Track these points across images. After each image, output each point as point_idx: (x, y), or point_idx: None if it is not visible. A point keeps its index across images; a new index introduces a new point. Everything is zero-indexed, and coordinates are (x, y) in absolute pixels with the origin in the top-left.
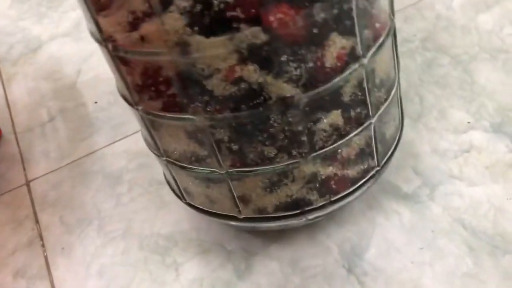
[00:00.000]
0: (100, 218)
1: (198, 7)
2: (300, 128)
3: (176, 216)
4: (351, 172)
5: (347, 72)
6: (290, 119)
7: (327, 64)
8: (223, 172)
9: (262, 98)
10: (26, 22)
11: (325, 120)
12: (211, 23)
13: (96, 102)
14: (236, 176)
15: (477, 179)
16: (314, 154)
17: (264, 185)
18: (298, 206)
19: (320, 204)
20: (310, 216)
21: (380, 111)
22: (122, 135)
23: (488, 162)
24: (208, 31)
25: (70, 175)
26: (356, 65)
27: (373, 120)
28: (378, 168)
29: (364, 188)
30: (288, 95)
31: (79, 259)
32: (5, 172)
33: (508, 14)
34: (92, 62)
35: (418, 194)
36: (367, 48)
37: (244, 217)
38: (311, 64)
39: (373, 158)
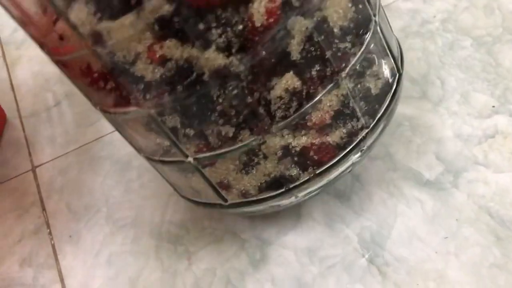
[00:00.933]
0: (108, 205)
1: None
2: (250, 99)
3: (187, 204)
4: (332, 138)
5: (283, 28)
6: (234, 92)
7: (257, 24)
8: (190, 160)
9: (195, 74)
10: None
11: (277, 86)
12: (113, 4)
13: None
14: (205, 162)
15: (503, 165)
16: (277, 125)
17: (237, 167)
18: (281, 184)
19: (305, 178)
20: (300, 193)
21: (350, 64)
22: None
23: None
24: (114, 14)
25: (77, 160)
26: (295, 18)
27: (343, 76)
28: (367, 130)
29: (355, 155)
30: (221, 66)
31: (87, 247)
32: (11, 158)
33: None
34: None
35: (441, 181)
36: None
37: (230, 203)
38: (238, 27)
39: (357, 119)
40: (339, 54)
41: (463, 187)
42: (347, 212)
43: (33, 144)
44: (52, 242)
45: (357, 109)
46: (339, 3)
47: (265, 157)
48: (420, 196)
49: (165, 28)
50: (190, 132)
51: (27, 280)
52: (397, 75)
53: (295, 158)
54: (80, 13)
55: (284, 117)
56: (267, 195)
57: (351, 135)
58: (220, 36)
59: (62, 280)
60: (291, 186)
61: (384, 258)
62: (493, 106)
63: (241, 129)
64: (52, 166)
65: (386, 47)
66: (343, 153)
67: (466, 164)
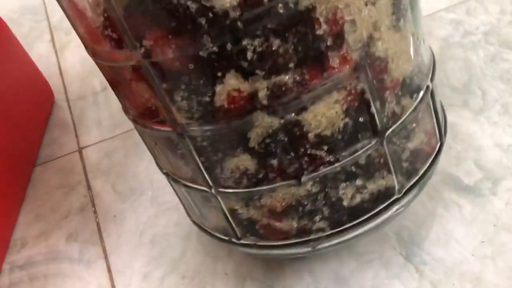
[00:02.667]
0: (153, 189)
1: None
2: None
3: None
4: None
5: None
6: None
7: (217, 104)
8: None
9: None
10: None
11: (229, 162)
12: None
13: None
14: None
15: None
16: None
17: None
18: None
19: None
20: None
21: (319, 171)
22: None
23: None
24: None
25: (123, 144)
26: (260, 113)
27: (302, 180)
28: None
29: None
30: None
31: (131, 227)
32: (58, 137)
33: None
34: None
35: (480, 187)
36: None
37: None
38: (204, 98)
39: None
40: (306, 158)
41: (502, 195)
42: None
43: (79, 126)
44: (97, 220)
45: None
46: (323, 112)
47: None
48: (458, 201)
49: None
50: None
51: (73, 254)
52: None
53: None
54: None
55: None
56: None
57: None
58: (182, 99)
59: (106, 257)
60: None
61: (422, 257)
62: None
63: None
64: (98, 148)
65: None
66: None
67: (505, 172)
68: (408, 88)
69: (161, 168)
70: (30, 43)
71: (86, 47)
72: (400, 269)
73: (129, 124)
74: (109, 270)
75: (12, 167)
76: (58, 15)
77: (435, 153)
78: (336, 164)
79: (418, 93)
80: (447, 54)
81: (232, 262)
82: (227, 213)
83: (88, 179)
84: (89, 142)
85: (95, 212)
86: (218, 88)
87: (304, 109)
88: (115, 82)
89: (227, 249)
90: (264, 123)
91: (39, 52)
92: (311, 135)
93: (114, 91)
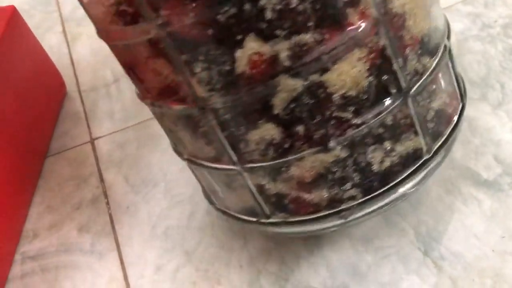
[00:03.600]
0: (166, 180)
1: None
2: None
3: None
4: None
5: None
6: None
7: (238, 71)
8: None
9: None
10: None
11: (254, 133)
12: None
13: None
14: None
15: None
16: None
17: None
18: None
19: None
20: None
21: (347, 135)
22: None
23: None
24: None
25: (135, 136)
26: (283, 76)
27: (330, 145)
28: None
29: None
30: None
31: (144, 219)
32: (70, 128)
33: None
34: None
35: (499, 182)
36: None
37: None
38: (224, 67)
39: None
40: (332, 122)
41: None
42: (404, 206)
43: (91, 117)
44: (110, 211)
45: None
46: (347, 71)
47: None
48: (477, 195)
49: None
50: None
51: (85, 246)
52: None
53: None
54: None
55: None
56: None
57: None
58: (202, 70)
59: (118, 248)
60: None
61: (440, 253)
62: None
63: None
64: (111, 140)
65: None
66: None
67: None
68: (427, 46)
69: (181, 154)
70: (42, 34)
71: (100, 31)
72: (419, 264)
73: (142, 116)
74: (122, 262)
75: (24, 158)
76: (69, 6)
77: (458, 114)
78: (363, 126)
79: (437, 52)
80: (465, 48)
81: (247, 254)
82: (254, 190)
83: (100, 170)
84: (101, 133)
85: (107, 203)
86: (238, 53)
87: (326, 69)
88: (131, 64)
89: (242, 241)
90: (287, 86)
91: (51, 44)
92: (336, 96)
93: (130, 76)
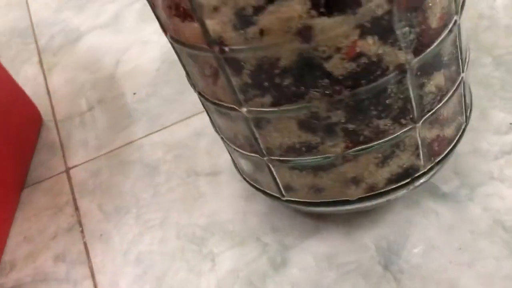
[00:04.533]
0: (138, 206)
1: None
2: (412, 94)
3: (213, 207)
4: (448, 131)
5: (446, 32)
6: (404, 87)
7: (433, 26)
8: (338, 155)
9: (380, 70)
10: (66, 13)
11: (431, 82)
12: (334, 1)
13: (134, 93)
14: (351, 157)
15: None
16: (424, 118)
17: (378, 160)
18: (408, 175)
19: (427, 168)
20: (417, 183)
21: (467, 65)
22: (159, 127)
23: None
24: (331, 11)
25: (108, 164)
26: (452, 24)
27: (463, 75)
28: (465, 124)
29: (457, 146)
30: (403, 62)
31: (117, 246)
32: (46, 159)
33: None
34: (131, 54)
35: (457, 194)
36: (461, 4)
37: (357, 199)
38: (419, 28)
39: (462, 114)
40: (464, 57)
41: (479, 201)
42: (365, 221)
43: (67, 146)
44: (84, 240)
45: (463, 106)
46: (466, 15)
47: (404, 149)
48: (436, 208)
49: (375, 26)
50: (351, 126)
51: (61, 275)
52: None
53: (425, 149)
54: (298, 7)
55: (429, 111)
56: (392, 187)
57: (458, 129)
58: (408, 34)
59: (93, 276)
60: (415, 175)
61: (399, 266)
62: (510, 123)
63: (395, 122)
64: (85, 168)
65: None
66: (452, 145)
67: (482, 178)
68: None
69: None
70: (19, 65)
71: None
72: (379, 279)
73: (114, 144)
74: None
75: (2, 191)
76: (46, 37)
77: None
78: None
79: None
80: None
81: (215, 277)
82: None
83: (75, 199)
84: (76, 162)
85: (82, 232)
86: None
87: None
88: None
89: (211, 264)
90: (453, 32)
91: (28, 75)
92: (464, 36)
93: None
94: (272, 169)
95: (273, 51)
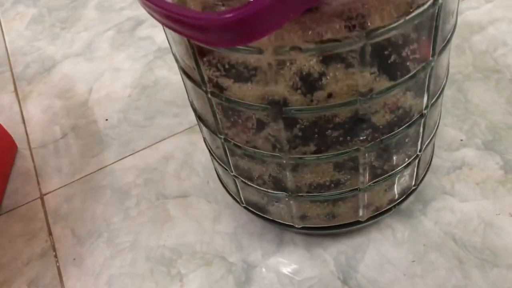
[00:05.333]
0: (109, 230)
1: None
2: (421, 131)
3: (180, 230)
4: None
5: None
6: (419, 127)
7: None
8: (362, 188)
9: (409, 117)
10: (41, 42)
11: (433, 118)
12: (396, 70)
13: (107, 120)
14: (371, 188)
15: (468, 195)
16: (425, 146)
17: (387, 186)
18: (403, 193)
19: (416, 184)
20: (409, 197)
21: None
22: (130, 151)
23: (479, 179)
24: (392, 77)
25: (81, 189)
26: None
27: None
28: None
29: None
30: (423, 108)
31: (89, 269)
32: (21, 186)
33: (501, 35)
34: (103, 81)
35: (412, 209)
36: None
37: (367, 218)
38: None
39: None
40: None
41: (431, 215)
42: (324, 238)
43: (41, 173)
44: (58, 264)
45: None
46: None
47: (407, 174)
48: (391, 223)
49: (414, 85)
50: (377, 163)
51: None
52: None
53: (419, 171)
54: (368, 75)
55: (429, 140)
56: (393, 205)
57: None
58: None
59: None
60: (408, 192)
61: (357, 280)
62: (461, 140)
63: (406, 155)
64: (59, 195)
65: None
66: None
67: (434, 193)
68: None
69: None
70: None
71: None
72: None
73: (87, 169)
74: None
75: None
76: (21, 65)
77: None
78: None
79: None
80: None
81: None
82: None
83: (49, 225)
84: (50, 188)
85: (55, 256)
86: None
87: None
88: None
89: (178, 285)
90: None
91: (3, 103)
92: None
93: None
94: (291, 202)
95: (334, 110)
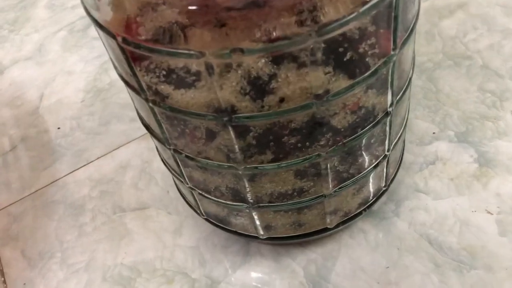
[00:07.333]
0: (62, 250)
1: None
2: (388, 130)
3: (139, 245)
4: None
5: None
6: (385, 126)
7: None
8: (328, 194)
9: (373, 117)
10: None
11: (400, 116)
12: (354, 68)
13: (59, 128)
14: (337, 193)
15: (442, 191)
16: (392, 146)
17: (355, 190)
18: (374, 195)
19: (387, 185)
20: (381, 199)
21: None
22: (84, 162)
23: (453, 174)
24: (350, 75)
25: (32, 206)
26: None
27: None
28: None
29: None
30: (388, 106)
31: None
32: None
33: (471, 20)
34: (55, 86)
35: (384, 210)
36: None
37: (335, 225)
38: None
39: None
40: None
41: (405, 216)
42: (293, 246)
43: None
44: None
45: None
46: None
47: (375, 175)
48: (363, 226)
49: (377, 81)
50: (341, 167)
51: None
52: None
53: (389, 170)
54: (321, 75)
55: (397, 139)
56: (362, 208)
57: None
58: (394, 82)
59: None
60: (379, 194)
61: None
62: (434, 133)
63: (372, 156)
64: (8, 213)
65: None
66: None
67: (407, 192)
68: None
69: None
70: None
71: None
72: None
73: (38, 184)
74: None
75: None
76: None
77: None
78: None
79: None
80: None
81: None
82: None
83: None
84: None
85: (4, 282)
86: None
87: None
88: None
89: None
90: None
91: None
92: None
93: None
94: (253, 213)
95: (288, 116)
